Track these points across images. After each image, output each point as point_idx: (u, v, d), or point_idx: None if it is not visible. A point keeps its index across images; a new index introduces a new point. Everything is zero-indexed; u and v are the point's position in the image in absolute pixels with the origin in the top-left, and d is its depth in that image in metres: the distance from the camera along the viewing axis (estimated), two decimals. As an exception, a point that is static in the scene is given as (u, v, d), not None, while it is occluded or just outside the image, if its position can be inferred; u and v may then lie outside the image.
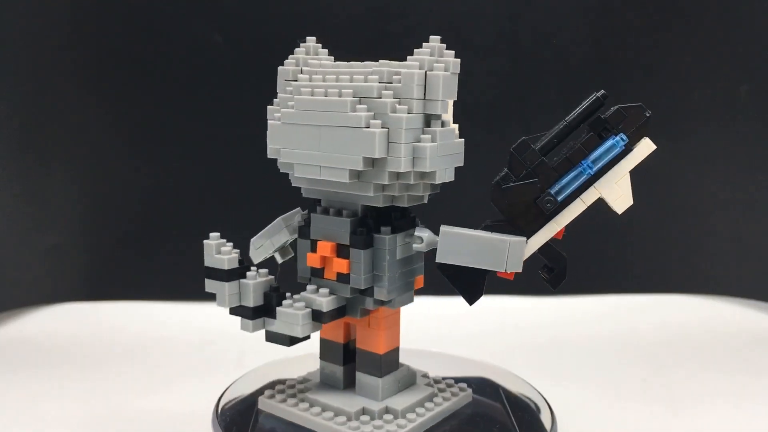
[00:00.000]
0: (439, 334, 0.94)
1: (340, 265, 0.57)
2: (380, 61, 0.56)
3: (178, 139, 1.04)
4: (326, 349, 0.64)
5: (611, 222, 1.10)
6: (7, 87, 0.99)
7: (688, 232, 1.08)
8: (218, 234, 0.58)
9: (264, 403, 0.63)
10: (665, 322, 1.00)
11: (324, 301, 0.57)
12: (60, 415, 0.72)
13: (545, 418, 0.64)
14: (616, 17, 1.02)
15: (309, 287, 0.58)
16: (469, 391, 0.66)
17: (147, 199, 1.06)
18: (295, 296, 0.58)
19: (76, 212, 1.06)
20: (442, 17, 1.01)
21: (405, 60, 0.54)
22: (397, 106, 0.52)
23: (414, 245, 0.56)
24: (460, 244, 0.54)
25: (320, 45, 0.61)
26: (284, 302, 0.57)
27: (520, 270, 0.53)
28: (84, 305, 1.06)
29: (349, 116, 0.52)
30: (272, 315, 0.57)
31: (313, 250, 0.58)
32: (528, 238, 0.54)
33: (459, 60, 0.54)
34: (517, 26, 1.02)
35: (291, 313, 0.56)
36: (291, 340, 0.57)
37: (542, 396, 0.68)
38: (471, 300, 0.57)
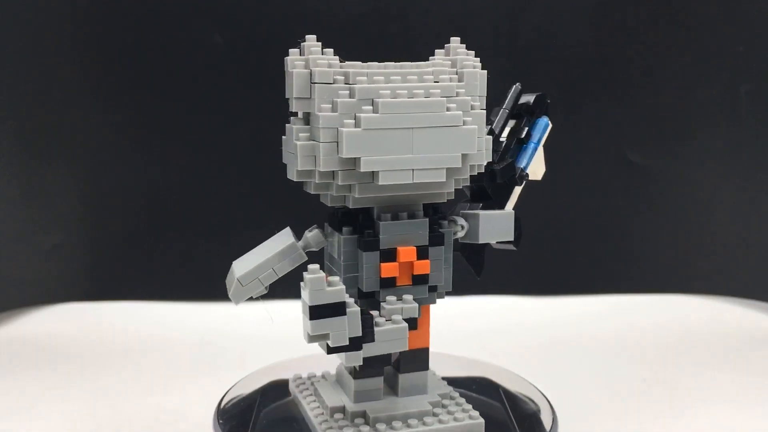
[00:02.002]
0: (439, 334, 0.94)
1: (423, 267, 0.56)
2: (432, 60, 0.57)
3: (179, 139, 1.04)
4: (368, 364, 0.59)
5: (611, 222, 1.10)
6: (8, 85, 0.99)
7: (688, 231, 1.08)
8: (317, 265, 0.50)
9: None
10: (665, 322, 1.00)
11: (416, 306, 0.55)
12: (60, 415, 0.72)
13: (545, 418, 0.64)
14: (616, 17, 1.02)
15: (389, 298, 0.55)
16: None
17: (147, 199, 1.06)
18: (375, 313, 0.55)
19: (77, 212, 1.06)
20: (441, 17, 1.01)
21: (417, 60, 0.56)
22: (474, 103, 0.55)
23: (458, 233, 0.59)
24: (494, 224, 0.59)
25: (321, 43, 0.58)
26: (378, 321, 0.54)
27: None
28: (84, 305, 1.06)
29: (446, 115, 0.53)
30: (369, 338, 0.53)
31: (388, 259, 0.56)
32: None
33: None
34: (517, 26, 1.02)
35: (397, 328, 0.53)
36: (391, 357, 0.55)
37: (543, 395, 0.68)
38: (480, 273, 0.63)
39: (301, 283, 0.50)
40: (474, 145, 0.54)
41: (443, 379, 0.67)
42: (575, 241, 1.09)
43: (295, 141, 0.53)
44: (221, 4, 1.01)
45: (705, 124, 1.04)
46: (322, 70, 0.53)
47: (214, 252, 1.09)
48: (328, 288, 0.50)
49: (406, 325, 0.53)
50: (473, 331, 0.97)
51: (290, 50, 0.54)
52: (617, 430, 0.69)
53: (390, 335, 0.53)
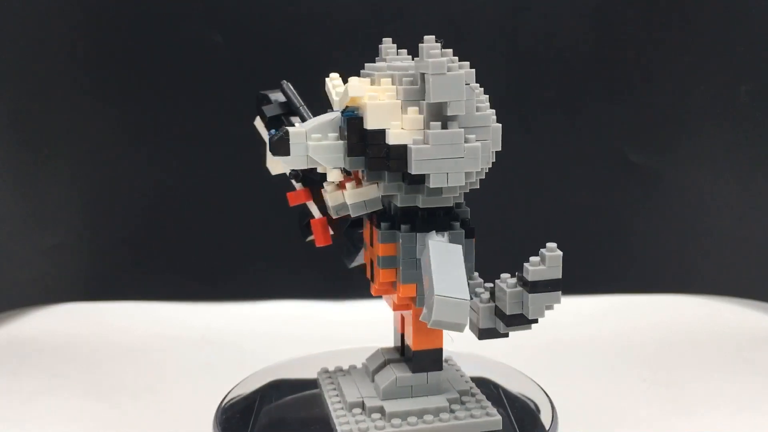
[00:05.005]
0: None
1: None
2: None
3: (179, 138, 1.04)
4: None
5: (611, 222, 1.10)
6: (8, 84, 0.99)
7: (688, 231, 1.08)
8: (554, 243, 0.55)
9: None
10: (665, 322, 1.00)
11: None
12: (60, 415, 0.72)
13: (545, 418, 0.64)
14: (616, 17, 1.02)
15: (503, 275, 0.57)
16: None
17: (148, 199, 1.06)
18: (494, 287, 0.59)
19: (77, 212, 1.06)
20: (442, 17, 1.01)
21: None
22: None
23: None
24: None
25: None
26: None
27: None
28: (84, 305, 1.06)
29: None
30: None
31: None
32: None
33: None
34: (517, 26, 1.02)
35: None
36: None
37: (545, 392, 0.68)
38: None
39: (530, 267, 0.56)
40: None
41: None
42: (575, 241, 1.08)
43: (468, 144, 0.52)
44: (221, 4, 1.01)
45: (705, 124, 1.04)
46: (473, 70, 0.54)
47: (215, 252, 1.09)
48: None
49: None
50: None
51: (439, 51, 0.52)
52: (617, 430, 0.69)
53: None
